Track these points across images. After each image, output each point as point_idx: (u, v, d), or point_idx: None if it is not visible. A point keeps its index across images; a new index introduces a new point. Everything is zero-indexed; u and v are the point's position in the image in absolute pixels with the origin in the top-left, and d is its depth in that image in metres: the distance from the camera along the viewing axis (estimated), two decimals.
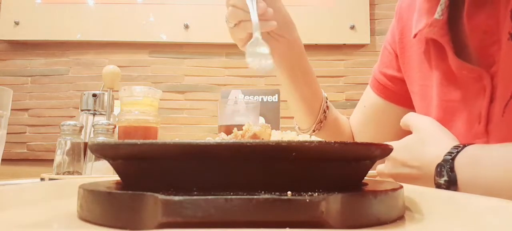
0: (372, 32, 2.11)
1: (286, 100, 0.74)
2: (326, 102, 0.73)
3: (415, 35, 0.57)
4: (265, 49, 0.57)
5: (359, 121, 0.78)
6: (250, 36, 0.60)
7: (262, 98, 1.17)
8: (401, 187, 0.28)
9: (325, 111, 0.72)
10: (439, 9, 0.53)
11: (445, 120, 0.54)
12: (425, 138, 0.50)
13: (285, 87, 0.70)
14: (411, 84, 0.65)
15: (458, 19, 0.53)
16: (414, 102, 0.64)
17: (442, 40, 0.53)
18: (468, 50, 0.52)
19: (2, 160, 0.57)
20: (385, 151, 0.28)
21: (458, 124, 0.53)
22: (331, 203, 0.21)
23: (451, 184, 0.43)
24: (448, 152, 0.45)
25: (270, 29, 0.59)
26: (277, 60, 0.65)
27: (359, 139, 0.77)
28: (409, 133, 0.54)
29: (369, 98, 0.75)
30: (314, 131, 0.73)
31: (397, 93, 0.70)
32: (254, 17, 0.56)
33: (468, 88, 0.52)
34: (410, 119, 0.55)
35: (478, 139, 0.50)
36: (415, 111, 0.63)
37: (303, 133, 0.75)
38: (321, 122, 0.72)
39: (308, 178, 0.24)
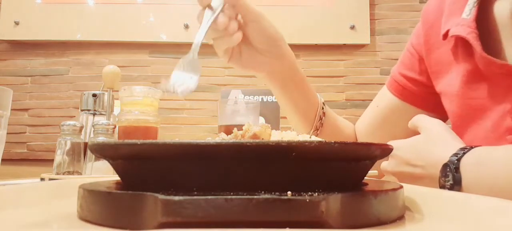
0: (372, 32, 2.10)
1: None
2: (323, 108, 0.72)
3: (444, 36, 0.57)
4: (194, 71, 0.51)
5: (369, 122, 0.77)
6: (234, 50, 0.59)
7: (262, 98, 1.17)
8: (401, 187, 0.28)
9: (321, 118, 0.71)
10: (467, 9, 0.53)
11: (472, 116, 0.54)
12: (432, 138, 0.50)
13: (279, 99, 0.70)
14: (438, 84, 0.64)
15: (487, 15, 0.53)
16: (443, 101, 0.64)
17: (469, 37, 0.52)
18: (498, 47, 0.52)
19: (2, 160, 0.57)
20: (385, 151, 0.28)
21: (486, 120, 0.53)
22: (331, 203, 0.21)
23: (456, 184, 0.43)
24: (454, 153, 0.45)
25: (233, 44, 0.57)
26: (267, 76, 0.65)
27: (365, 140, 0.77)
28: (418, 134, 0.54)
29: (384, 99, 0.74)
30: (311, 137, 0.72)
31: (415, 95, 0.69)
32: (199, 35, 0.52)
33: (497, 84, 0.52)
34: (419, 119, 0.55)
35: (510, 135, 0.50)
36: (436, 112, 0.63)
37: None
38: (317, 129, 0.71)
39: (308, 178, 0.24)
